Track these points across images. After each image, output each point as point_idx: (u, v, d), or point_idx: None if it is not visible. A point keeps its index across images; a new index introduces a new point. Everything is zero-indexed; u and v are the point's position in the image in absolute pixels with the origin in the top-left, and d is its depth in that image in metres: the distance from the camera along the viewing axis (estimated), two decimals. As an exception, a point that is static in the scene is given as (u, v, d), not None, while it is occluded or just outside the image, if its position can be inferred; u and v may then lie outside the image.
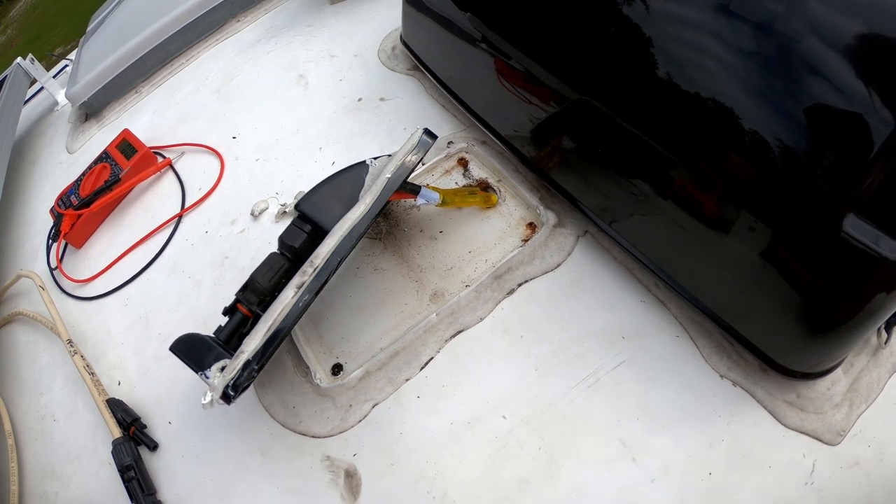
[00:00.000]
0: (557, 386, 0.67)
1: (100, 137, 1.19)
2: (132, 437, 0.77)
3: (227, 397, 0.56)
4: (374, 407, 0.70)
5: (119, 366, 0.85)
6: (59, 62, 1.57)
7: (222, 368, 0.57)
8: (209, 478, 0.73)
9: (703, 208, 0.59)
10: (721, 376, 0.64)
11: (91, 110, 1.25)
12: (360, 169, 0.66)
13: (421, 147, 0.66)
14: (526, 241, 0.78)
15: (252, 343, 0.56)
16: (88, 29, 1.39)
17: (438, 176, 0.89)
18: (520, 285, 0.75)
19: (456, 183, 0.87)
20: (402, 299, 0.77)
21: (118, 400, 0.80)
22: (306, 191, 0.68)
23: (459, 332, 0.73)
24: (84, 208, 0.97)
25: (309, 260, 0.58)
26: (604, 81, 0.66)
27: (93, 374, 0.80)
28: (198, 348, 0.61)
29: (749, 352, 0.62)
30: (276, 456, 0.71)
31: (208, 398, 0.55)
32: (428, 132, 0.67)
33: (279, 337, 0.57)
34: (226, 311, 0.65)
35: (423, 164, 0.89)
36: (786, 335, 0.58)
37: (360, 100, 1.03)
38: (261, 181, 0.97)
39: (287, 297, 0.56)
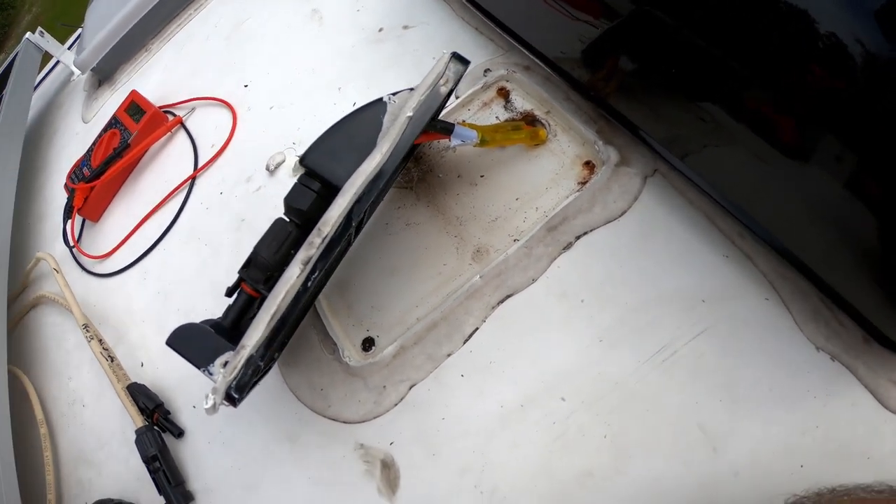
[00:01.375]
0: (626, 361, 0.53)
1: (113, 102, 1.11)
2: (156, 423, 0.71)
3: (231, 399, 0.46)
4: (411, 388, 0.59)
5: (142, 345, 0.79)
6: (75, 31, 1.50)
7: (225, 364, 0.47)
8: (237, 466, 0.66)
9: (799, 131, 0.44)
10: (817, 348, 0.50)
11: (103, 75, 1.17)
12: (376, 108, 0.52)
13: (450, 75, 0.52)
14: (583, 183, 0.63)
15: (254, 335, 0.45)
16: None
17: (475, 110, 0.74)
18: (578, 238, 0.60)
19: (496, 118, 0.72)
20: (440, 259, 0.65)
21: (140, 385, 0.73)
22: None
23: (508, 296, 0.60)
24: (95, 179, 0.90)
25: (316, 228, 0.46)
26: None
27: (112, 358, 0.74)
28: (197, 340, 0.51)
29: (850, 319, 0.47)
30: (306, 443, 0.63)
31: (210, 402, 0.46)
32: (458, 56, 0.53)
33: (287, 325, 0.46)
34: (229, 292, 0.55)
35: (456, 98, 0.75)
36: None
37: (381, 30, 0.88)
38: (276, 131, 0.86)
39: (292, 276, 0.45)
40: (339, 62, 0.87)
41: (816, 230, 0.48)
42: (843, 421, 0.47)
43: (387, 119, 0.51)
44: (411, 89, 0.54)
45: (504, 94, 0.74)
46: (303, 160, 0.52)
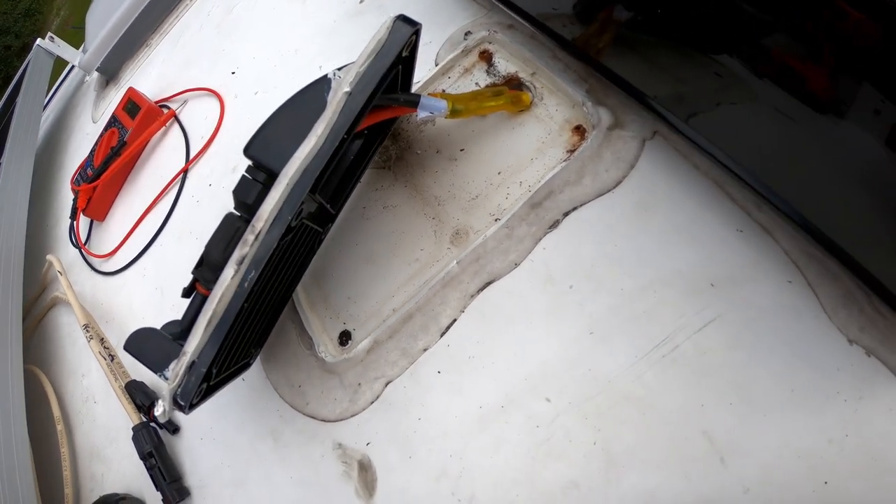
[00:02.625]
0: (620, 356, 0.47)
1: (117, 100, 1.12)
2: (152, 420, 0.71)
3: (180, 406, 0.44)
4: (386, 385, 0.56)
5: (141, 342, 0.79)
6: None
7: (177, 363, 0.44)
8: (226, 463, 0.65)
9: (832, 82, 0.36)
10: (850, 340, 0.41)
11: (108, 75, 1.18)
12: (319, 86, 0.47)
13: (392, 41, 0.45)
14: (572, 151, 0.56)
15: (193, 342, 0.42)
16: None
17: (457, 77, 0.67)
18: (566, 215, 0.53)
19: (476, 84, 0.65)
20: (417, 243, 0.60)
21: (139, 382, 0.74)
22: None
23: (488, 283, 0.54)
24: (97, 179, 0.90)
25: (250, 225, 0.42)
26: None
27: (112, 357, 0.75)
28: (153, 345, 0.49)
29: (888, 305, 0.38)
30: (287, 441, 0.60)
31: (160, 409, 0.43)
32: (404, 19, 0.46)
33: (229, 329, 0.43)
34: (185, 293, 0.53)
35: (436, 65, 0.69)
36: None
37: (361, 2, 0.82)
38: (261, 116, 0.81)
39: (226, 278, 0.41)
40: (320, 40, 0.82)
41: (850, 199, 0.40)
42: (878, 429, 0.39)
43: (330, 97, 0.46)
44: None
45: (487, 57, 0.67)
46: (246, 150, 0.48)
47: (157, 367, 0.48)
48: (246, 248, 0.42)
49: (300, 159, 0.42)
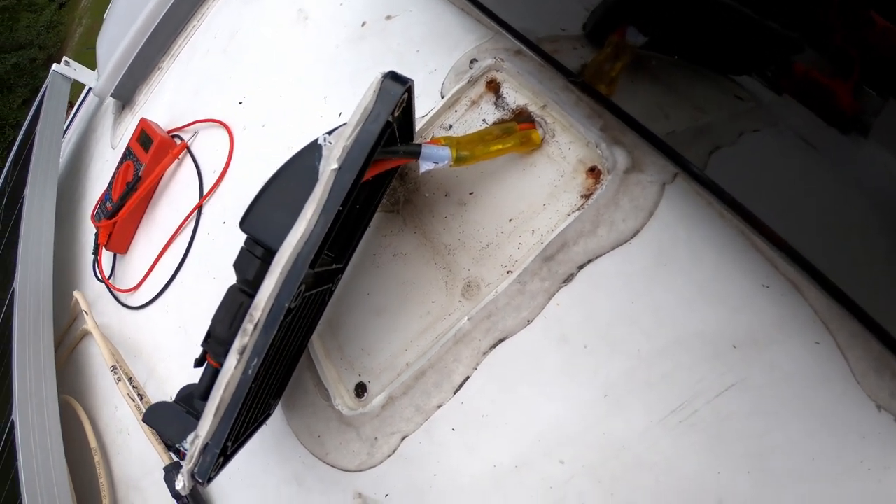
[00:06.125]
0: (635, 420, 0.45)
1: (133, 127, 1.13)
2: (182, 458, 0.73)
3: (198, 482, 0.45)
4: (402, 440, 0.56)
5: (168, 379, 0.82)
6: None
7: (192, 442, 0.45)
8: (253, 503, 0.67)
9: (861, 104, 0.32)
10: (879, 407, 0.39)
11: (123, 100, 1.19)
12: (310, 154, 0.45)
13: (381, 106, 0.43)
14: (587, 196, 0.53)
15: (205, 425, 0.43)
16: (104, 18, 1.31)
17: (464, 111, 0.65)
18: (580, 268, 0.51)
19: (484, 121, 0.62)
20: (428, 295, 0.59)
21: (167, 420, 0.76)
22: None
23: (500, 340, 0.53)
24: (116, 214, 0.92)
25: (248, 313, 0.41)
26: None
27: (141, 396, 0.78)
28: (169, 418, 0.51)
29: None
30: (310, 487, 0.62)
31: (180, 483, 0.44)
32: (394, 76, 0.44)
33: (236, 413, 0.43)
34: (197, 363, 0.54)
35: (442, 97, 0.66)
36: None
37: (363, 24, 0.79)
38: (268, 151, 0.82)
39: (230, 368, 0.41)
40: (323, 68, 0.80)
41: (886, 253, 0.36)
42: (906, 507, 0.37)
43: (322, 165, 0.45)
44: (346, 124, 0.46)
45: (494, 87, 0.64)
46: (242, 225, 0.47)
47: (175, 440, 0.50)
48: (246, 337, 0.41)
49: (291, 246, 0.41)
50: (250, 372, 0.42)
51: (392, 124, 0.46)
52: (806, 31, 0.36)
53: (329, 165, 0.41)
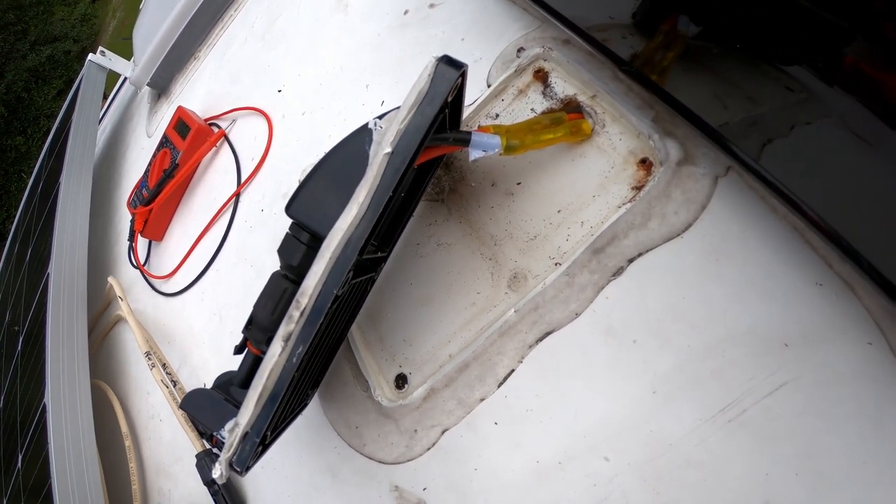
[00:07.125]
0: (684, 418, 0.44)
1: (169, 115, 1.14)
2: (215, 446, 0.73)
3: (236, 471, 0.44)
4: (443, 433, 0.54)
5: (203, 367, 0.82)
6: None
7: (231, 430, 0.45)
8: (287, 493, 0.66)
9: None
10: None
11: (159, 89, 1.20)
12: (360, 138, 0.45)
13: (436, 90, 0.42)
14: (638, 188, 0.52)
15: (246, 413, 0.42)
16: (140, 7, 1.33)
17: (511, 100, 0.63)
18: (630, 261, 0.49)
19: (532, 111, 0.61)
20: (473, 286, 0.58)
21: (201, 407, 0.76)
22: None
23: (547, 334, 0.51)
24: (153, 201, 0.93)
25: (295, 300, 0.40)
26: None
27: (174, 382, 0.78)
28: (207, 405, 0.50)
29: None
30: (345, 479, 0.61)
31: (217, 472, 0.44)
32: (448, 60, 0.42)
33: (279, 401, 0.42)
34: (237, 350, 0.53)
35: (488, 86, 0.65)
36: None
37: (406, 12, 0.79)
38: (309, 139, 0.82)
39: (274, 354, 0.41)
40: (366, 56, 0.80)
41: None
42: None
43: (372, 150, 0.44)
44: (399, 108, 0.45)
45: (542, 77, 0.62)
46: (288, 209, 0.46)
47: (212, 427, 0.49)
48: (292, 324, 0.41)
49: (342, 230, 0.40)
50: (294, 360, 0.41)
51: (445, 109, 0.45)
52: (858, 22, 0.34)
53: (382, 149, 0.40)
